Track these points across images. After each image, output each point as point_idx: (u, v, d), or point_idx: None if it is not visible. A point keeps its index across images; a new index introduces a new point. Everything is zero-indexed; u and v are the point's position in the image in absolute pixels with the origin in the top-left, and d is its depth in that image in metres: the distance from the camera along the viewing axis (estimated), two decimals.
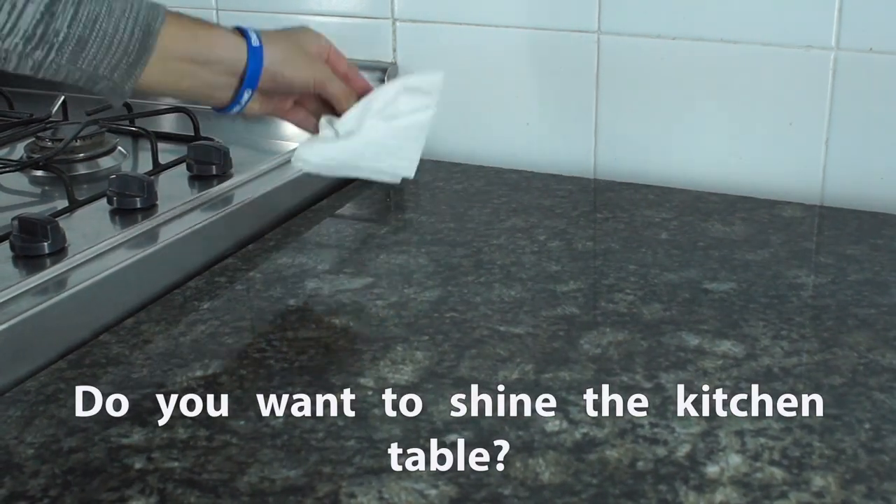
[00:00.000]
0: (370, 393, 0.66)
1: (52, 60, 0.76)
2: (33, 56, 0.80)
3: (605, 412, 0.64)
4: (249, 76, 0.83)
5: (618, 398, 0.65)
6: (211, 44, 0.83)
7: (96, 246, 0.82)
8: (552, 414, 0.63)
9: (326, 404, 0.65)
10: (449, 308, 0.78)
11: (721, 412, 0.63)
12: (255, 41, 0.84)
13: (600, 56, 1.07)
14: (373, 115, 0.89)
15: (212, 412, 0.64)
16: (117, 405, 0.66)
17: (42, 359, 0.71)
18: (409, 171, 0.93)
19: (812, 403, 0.64)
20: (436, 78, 0.93)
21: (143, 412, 0.65)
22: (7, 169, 1.01)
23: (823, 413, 0.63)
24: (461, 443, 0.61)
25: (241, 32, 0.86)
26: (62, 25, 0.80)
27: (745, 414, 0.63)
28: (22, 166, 1.02)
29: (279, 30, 0.91)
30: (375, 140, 0.89)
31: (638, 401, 0.65)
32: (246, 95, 0.84)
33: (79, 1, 0.81)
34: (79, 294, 0.76)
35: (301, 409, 0.65)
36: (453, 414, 0.64)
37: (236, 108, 0.84)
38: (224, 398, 0.66)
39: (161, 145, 1.05)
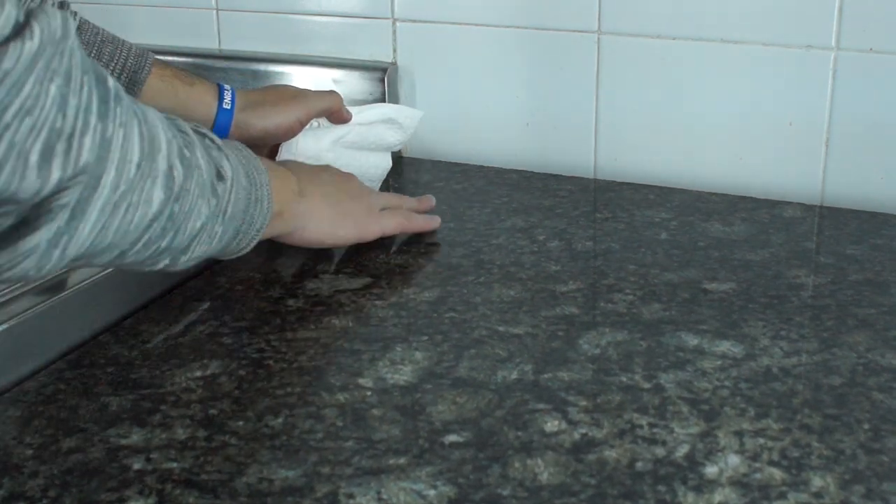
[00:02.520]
0: (369, 393, 0.66)
1: None
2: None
3: (604, 412, 0.64)
4: (215, 131, 0.89)
5: (617, 398, 0.65)
6: (187, 104, 0.88)
7: None
8: (551, 414, 0.63)
9: (326, 404, 0.65)
10: (448, 308, 0.78)
11: (720, 412, 0.63)
12: (226, 103, 0.90)
13: (600, 56, 1.07)
14: (342, 145, 0.96)
15: (211, 412, 0.65)
16: (116, 405, 0.66)
17: (42, 359, 0.71)
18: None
19: (811, 404, 0.64)
20: (415, 114, 1.01)
21: (143, 412, 0.65)
22: None
23: (823, 413, 0.63)
24: (460, 443, 0.61)
25: (218, 89, 0.90)
26: None
27: (744, 414, 0.63)
28: None
29: (260, 87, 0.98)
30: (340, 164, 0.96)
31: (637, 401, 0.65)
32: None
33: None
34: (79, 294, 0.76)
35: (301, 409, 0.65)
36: (452, 414, 0.64)
37: None
38: (223, 398, 0.66)
39: None
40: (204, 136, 0.68)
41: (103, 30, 0.86)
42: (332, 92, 0.96)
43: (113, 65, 0.84)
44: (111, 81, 0.55)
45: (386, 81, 1.15)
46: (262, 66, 1.21)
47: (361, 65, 1.17)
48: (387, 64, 1.16)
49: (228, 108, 0.89)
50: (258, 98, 0.92)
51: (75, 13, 0.84)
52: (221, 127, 0.90)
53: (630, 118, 1.08)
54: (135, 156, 0.56)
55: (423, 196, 0.96)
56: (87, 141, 0.52)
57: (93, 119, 0.53)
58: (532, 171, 1.10)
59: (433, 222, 0.93)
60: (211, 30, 1.27)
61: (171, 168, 0.60)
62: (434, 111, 1.17)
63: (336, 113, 0.95)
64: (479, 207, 1.00)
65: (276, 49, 1.23)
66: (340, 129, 0.95)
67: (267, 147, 0.93)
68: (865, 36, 0.96)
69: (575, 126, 1.11)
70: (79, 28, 0.84)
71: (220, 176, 0.66)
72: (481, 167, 1.12)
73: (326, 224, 0.83)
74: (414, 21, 1.15)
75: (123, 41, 0.87)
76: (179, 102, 0.88)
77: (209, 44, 1.28)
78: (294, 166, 0.83)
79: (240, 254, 0.73)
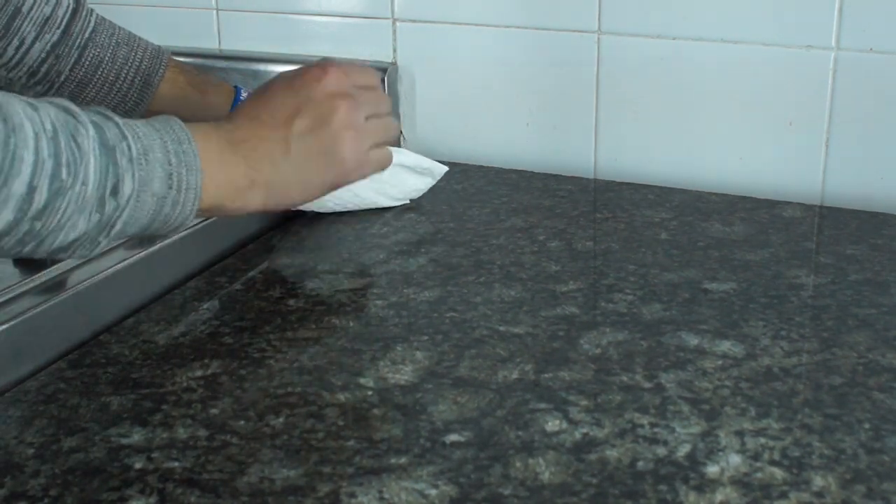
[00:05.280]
0: (370, 393, 0.66)
1: (52, 96, 0.77)
2: (35, 89, 0.82)
3: (605, 412, 0.64)
4: None
5: (618, 398, 0.65)
6: (196, 113, 0.86)
7: None
8: (552, 414, 0.63)
9: (327, 404, 0.65)
10: (449, 308, 0.78)
11: (721, 412, 0.63)
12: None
13: (600, 56, 1.07)
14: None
15: (212, 412, 0.64)
16: (117, 405, 0.66)
17: (42, 359, 0.71)
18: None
19: (812, 403, 0.64)
20: (442, 169, 1.00)
21: (143, 412, 0.65)
22: None
23: (823, 413, 0.63)
24: (461, 443, 0.61)
25: (233, 97, 0.89)
26: (64, 67, 0.82)
27: (744, 414, 0.63)
28: None
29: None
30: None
31: (638, 401, 0.65)
32: None
33: (84, 45, 0.83)
34: (79, 294, 0.76)
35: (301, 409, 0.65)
36: (453, 414, 0.64)
37: None
38: (224, 398, 0.66)
39: None
40: (124, 138, 0.63)
41: (120, 30, 0.86)
42: None
43: (127, 68, 0.84)
44: None
45: (386, 81, 1.15)
46: (262, 66, 1.21)
47: (361, 65, 1.17)
48: (387, 64, 1.16)
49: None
50: None
51: (92, 10, 0.84)
52: None
53: (630, 118, 1.08)
54: None
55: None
56: None
57: None
58: (532, 171, 1.10)
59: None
60: (211, 30, 1.27)
61: (31, 191, 0.57)
62: (434, 111, 1.17)
63: None
64: (479, 207, 1.00)
65: (276, 49, 1.23)
66: None
67: None
68: (865, 36, 0.96)
69: (575, 126, 1.11)
70: (94, 29, 0.83)
71: (114, 191, 0.62)
72: (481, 167, 1.12)
73: (290, 196, 0.75)
74: (414, 21, 1.15)
75: (139, 42, 0.86)
76: (189, 110, 0.87)
77: (209, 44, 1.28)
78: (252, 142, 0.72)
79: (162, 234, 0.70)
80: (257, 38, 1.24)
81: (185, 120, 0.85)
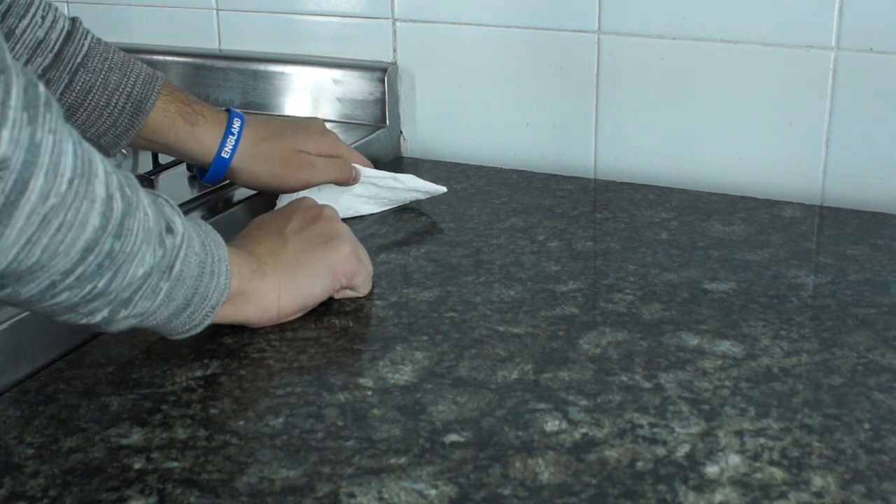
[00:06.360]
0: (370, 393, 0.66)
1: None
2: None
3: (605, 412, 0.64)
4: (208, 178, 0.90)
5: (617, 398, 0.65)
6: (186, 144, 0.88)
7: None
8: (551, 414, 0.63)
9: (326, 404, 0.65)
10: (448, 308, 0.78)
11: (720, 412, 0.63)
12: (225, 151, 0.89)
13: (600, 56, 1.07)
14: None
15: (211, 412, 0.65)
16: (117, 405, 0.66)
17: (42, 359, 0.71)
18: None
19: (811, 403, 0.64)
20: (440, 189, 1.00)
21: (143, 412, 0.65)
22: None
23: (823, 413, 0.63)
24: (461, 443, 0.61)
25: (225, 129, 0.89)
26: (55, 91, 0.81)
27: (744, 414, 0.63)
28: None
29: (276, 127, 0.94)
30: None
31: (637, 401, 0.65)
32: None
33: (75, 70, 0.82)
34: None
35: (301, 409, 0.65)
36: (453, 414, 0.64)
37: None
38: (224, 398, 0.66)
39: None
40: (157, 196, 0.64)
41: (115, 54, 0.84)
42: (344, 161, 0.95)
43: (118, 94, 0.84)
44: (42, 88, 0.52)
45: (386, 81, 1.15)
46: (262, 66, 1.21)
47: (361, 65, 1.17)
48: (387, 64, 1.17)
49: (227, 157, 0.89)
50: (264, 153, 0.90)
51: (87, 33, 0.84)
52: (215, 173, 0.89)
53: (630, 118, 1.08)
54: (67, 171, 0.53)
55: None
56: (6, 134, 0.49)
57: (11, 114, 0.49)
58: (532, 171, 1.10)
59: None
60: (211, 30, 1.27)
61: (110, 197, 0.56)
62: (434, 111, 1.17)
63: (342, 183, 0.95)
64: (479, 207, 1.00)
65: (276, 49, 1.23)
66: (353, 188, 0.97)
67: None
68: (865, 36, 0.96)
69: (575, 126, 1.11)
70: (87, 53, 0.82)
71: (169, 229, 0.62)
72: (481, 167, 1.12)
73: (302, 288, 0.75)
74: (414, 21, 1.15)
75: (133, 66, 0.85)
76: (179, 141, 0.88)
77: (209, 44, 1.28)
78: (250, 242, 0.76)
79: (188, 334, 0.68)
80: (257, 38, 1.24)
81: (174, 149, 0.90)
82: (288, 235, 0.77)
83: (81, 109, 0.83)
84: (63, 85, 0.82)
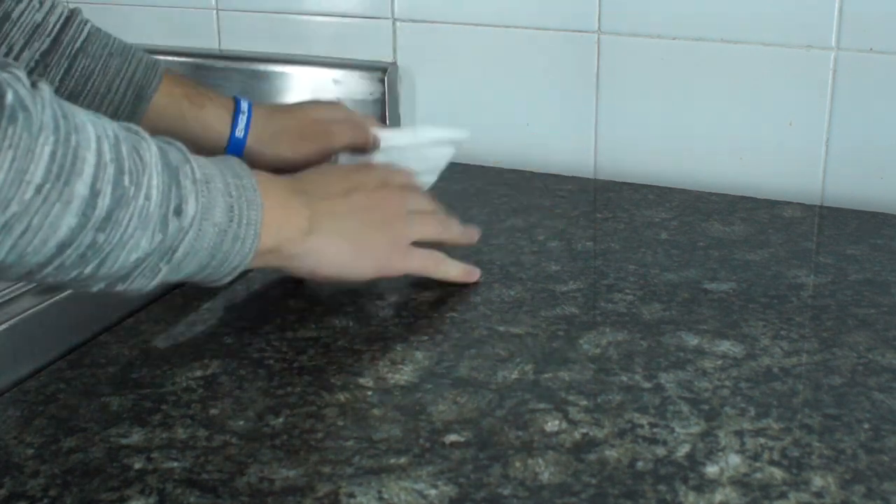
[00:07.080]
0: (370, 393, 0.66)
1: None
2: None
3: (605, 412, 0.64)
4: None
5: (617, 398, 0.65)
6: (194, 128, 0.85)
7: None
8: (551, 414, 0.63)
9: (326, 404, 0.65)
10: (448, 308, 0.78)
11: (720, 412, 0.63)
12: (239, 130, 0.85)
13: (600, 56, 1.07)
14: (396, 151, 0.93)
15: (211, 412, 0.65)
16: (117, 405, 0.66)
17: (42, 359, 0.71)
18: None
19: (812, 403, 0.64)
20: (462, 133, 0.95)
21: (143, 412, 0.65)
22: None
23: (823, 413, 0.63)
24: (461, 443, 0.61)
25: (233, 111, 0.86)
26: (54, 78, 0.81)
27: (744, 414, 0.63)
28: None
29: (284, 106, 0.92)
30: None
31: (637, 401, 0.65)
32: None
33: (74, 55, 0.81)
34: (79, 294, 0.76)
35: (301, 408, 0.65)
36: (453, 414, 0.64)
37: None
38: (224, 398, 0.66)
39: None
40: (187, 161, 0.63)
41: (115, 41, 0.84)
42: (359, 123, 0.92)
43: (119, 79, 0.83)
44: (9, 98, 0.51)
45: (386, 81, 1.15)
46: (262, 66, 1.22)
47: (361, 65, 1.17)
48: (387, 64, 1.17)
49: (241, 136, 0.85)
50: (278, 127, 0.88)
51: (87, 20, 0.83)
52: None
53: (630, 118, 1.08)
54: (37, 177, 0.52)
55: (468, 227, 0.85)
56: None
57: None
58: (532, 171, 1.10)
59: (468, 236, 0.85)
60: (211, 30, 1.27)
61: (95, 195, 0.55)
62: (434, 111, 1.17)
63: (362, 147, 0.91)
64: (479, 207, 1.00)
65: (276, 49, 1.23)
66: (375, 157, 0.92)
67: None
68: (865, 36, 0.96)
69: (575, 126, 1.11)
70: (87, 39, 0.82)
71: (178, 210, 0.61)
72: (481, 167, 1.12)
73: (342, 259, 0.74)
74: (414, 21, 1.15)
75: (135, 52, 0.84)
76: (186, 126, 0.85)
77: (209, 44, 1.28)
78: (313, 195, 0.74)
79: (216, 284, 0.69)
80: (257, 38, 1.24)
81: (183, 136, 0.83)
82: (349, 204, 0.75)
83: (82, 96, 0.82)
84: (62, 70, 0.81)
